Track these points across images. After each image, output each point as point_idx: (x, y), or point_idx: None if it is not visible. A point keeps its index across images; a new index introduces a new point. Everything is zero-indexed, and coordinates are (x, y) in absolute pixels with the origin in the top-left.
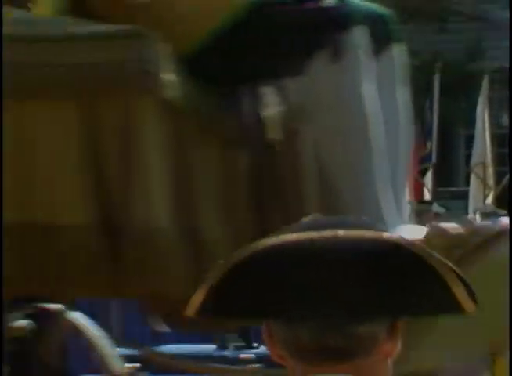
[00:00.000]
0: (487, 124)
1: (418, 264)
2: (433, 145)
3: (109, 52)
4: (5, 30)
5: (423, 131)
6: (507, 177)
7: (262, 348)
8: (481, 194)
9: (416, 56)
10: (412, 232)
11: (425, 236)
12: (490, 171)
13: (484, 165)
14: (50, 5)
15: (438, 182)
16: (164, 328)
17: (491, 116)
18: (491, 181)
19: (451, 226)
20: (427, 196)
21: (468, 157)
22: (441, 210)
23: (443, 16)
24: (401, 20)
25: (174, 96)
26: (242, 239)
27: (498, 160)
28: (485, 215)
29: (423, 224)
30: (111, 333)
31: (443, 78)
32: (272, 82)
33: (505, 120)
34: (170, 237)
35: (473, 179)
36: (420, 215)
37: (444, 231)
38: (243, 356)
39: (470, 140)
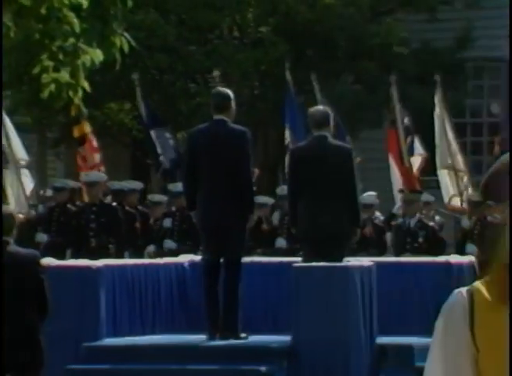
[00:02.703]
0: (448, 126)
1: None
2: (414, 138)
3: None
4: None
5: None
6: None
7: (250, 339)
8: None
9: (405, 44)
10: None
11: None
12: (459, 174)
13: (454, 168)
14: None
15: (426, 171)
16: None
17: (481, 104)
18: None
19: None
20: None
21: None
22: (430, 199)
23: (433, 5)
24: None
25: None
26: None
27: (491, 149)
28: (474, 203)
29: (414, 212)
30: (101, 323)
31: (434, 67)
32: None
33: (494, 108)
34: None
35: (443, 183)
36: (411, 204)
37: None
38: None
39: (460, 129)
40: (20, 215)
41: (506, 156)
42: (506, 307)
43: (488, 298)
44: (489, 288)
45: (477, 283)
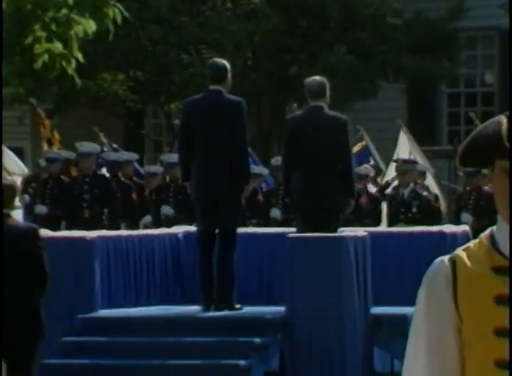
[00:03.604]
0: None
1: None
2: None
3: None
4: None
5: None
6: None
7: (244, 310)
8: None
9: (398, 15)
10: None
11: None
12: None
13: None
14: None
15: (420, 140)
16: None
17: (475, 74)
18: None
19: None
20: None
21: (451, 115)
22: (426, 168)
23: None
24: None
25: None
26: None
27: (484, 119)
28: (469, 173)
29: (408, 182)
30: (95, 295)
31: (426, 37)
32: None
33: (488, 77)
34: None
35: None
36: (405, 173)
37: None
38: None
39: (453, 98)
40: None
41: (482, 125)
42: (490, 272)
43: (471, 265)
44: (471, 255)
45: (459, 251)
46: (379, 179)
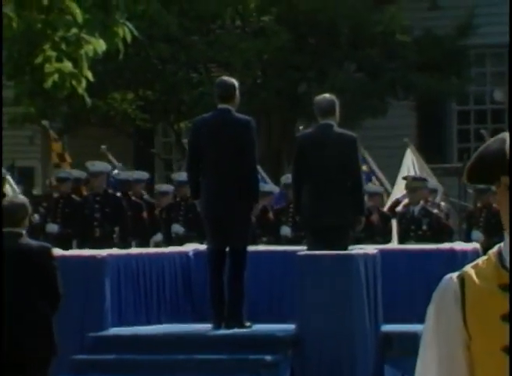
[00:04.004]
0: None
1: None
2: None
3: None
4: None
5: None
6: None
7: (255, 328)
8: None
9: (408, 32)
10: None
11: None
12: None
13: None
14: None
15: (430, 158)
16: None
17: (484, 91)
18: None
19: None
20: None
21: (461, 132)
22: (437, 186)
23: None
24: None
25: None
26: None
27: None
28: (479, 190)
29: (418, 200)
30: (106, 313)
31: (435, 54)
32: None
33: (497, 94)
34: None
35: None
36: (415, 191)
37: None
38: None
39: (463, 116)
40: None
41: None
42: (497, 290)
43: (479, 283)
44: (479, 272)
45: (468, 268)
46: (385, 198)
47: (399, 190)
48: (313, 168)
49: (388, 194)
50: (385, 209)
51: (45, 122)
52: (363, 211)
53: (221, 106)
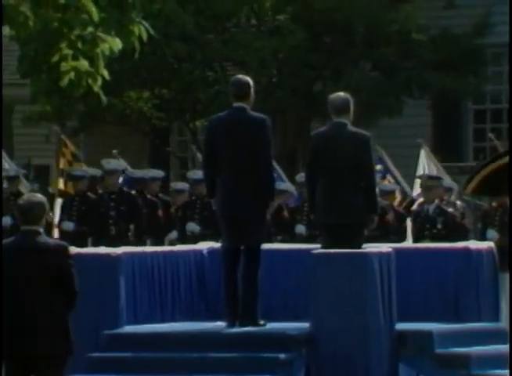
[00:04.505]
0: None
1: None
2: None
3: None
4: None
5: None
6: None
7: (269, 326)
8: None
9: (424, 31)
10: None
11: None
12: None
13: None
14: None
15: (446, 157)
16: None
17: (501, 91)
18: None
19: None
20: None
21: (477, 131)
22: (453, 185)
23: None
24: None
25: None
26: None
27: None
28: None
29: (433, 198)
30: (121, 310)
31: (452, 53)
32: None
33: None
34: None
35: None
36: (430, 189)
37: None
38: None
39: (479, 115)
40: None
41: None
42: None
43: None
44: None
45: None
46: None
47: (417, 190)
48: (326, 166)
49: (403, 192)
50: (398, 207)
51: (56, 128)
52: (376, 209)
53: (236, 104)
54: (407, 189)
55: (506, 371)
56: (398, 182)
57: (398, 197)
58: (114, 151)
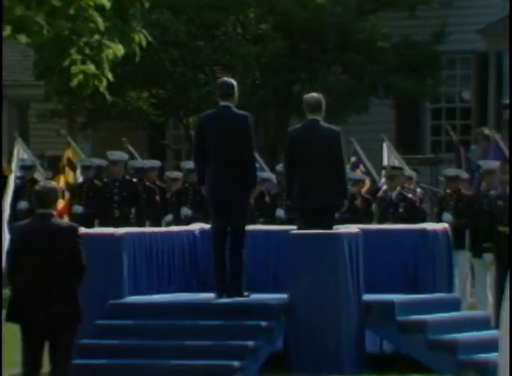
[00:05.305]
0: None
1: None
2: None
3: None
4: None
5: None
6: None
7: (252, 297)
8: None
9: (388, 39)
10: None
11: None
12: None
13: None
14: None
15: (406, 150)
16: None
17: (454, 92)
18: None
19: None
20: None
21: (433, 128)
22: (412, 174)
23: (412, 4)
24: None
25: None
26: None
27: (463, 131)
28: (450, 178)
29: (396, 186)
30: (123, 283)
31: (412, 58)
32: None
33: (465, 94)
34: None
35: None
36: (393, 178)
37: None
38: None
39: (435, 113)
40: None
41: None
42: None
43: None
44: None
45: None
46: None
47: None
48: (302, 158)
49: (373, 180)
50: (367, 194)
51: (62, 132)
52: (346, 195)
53: (222, 103)
54: (377, 177)
55: (459, 335)
56: (369, 172)
57: (368, 184)
58: (124, 139)
